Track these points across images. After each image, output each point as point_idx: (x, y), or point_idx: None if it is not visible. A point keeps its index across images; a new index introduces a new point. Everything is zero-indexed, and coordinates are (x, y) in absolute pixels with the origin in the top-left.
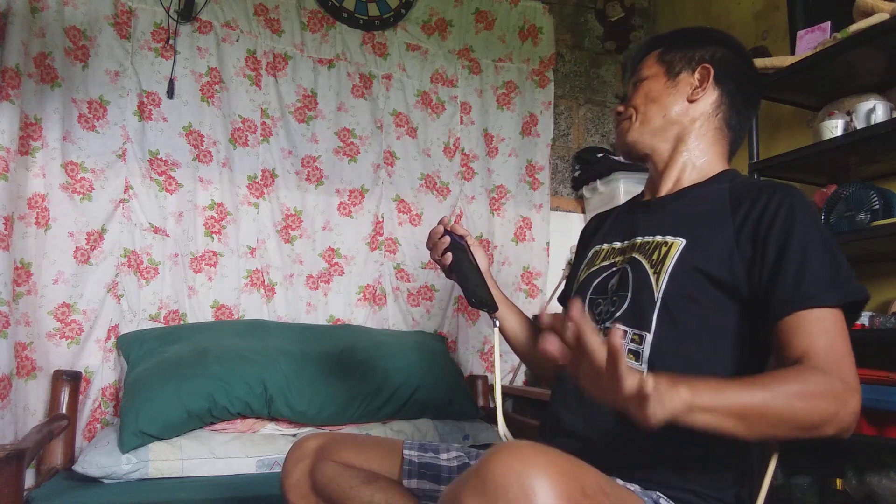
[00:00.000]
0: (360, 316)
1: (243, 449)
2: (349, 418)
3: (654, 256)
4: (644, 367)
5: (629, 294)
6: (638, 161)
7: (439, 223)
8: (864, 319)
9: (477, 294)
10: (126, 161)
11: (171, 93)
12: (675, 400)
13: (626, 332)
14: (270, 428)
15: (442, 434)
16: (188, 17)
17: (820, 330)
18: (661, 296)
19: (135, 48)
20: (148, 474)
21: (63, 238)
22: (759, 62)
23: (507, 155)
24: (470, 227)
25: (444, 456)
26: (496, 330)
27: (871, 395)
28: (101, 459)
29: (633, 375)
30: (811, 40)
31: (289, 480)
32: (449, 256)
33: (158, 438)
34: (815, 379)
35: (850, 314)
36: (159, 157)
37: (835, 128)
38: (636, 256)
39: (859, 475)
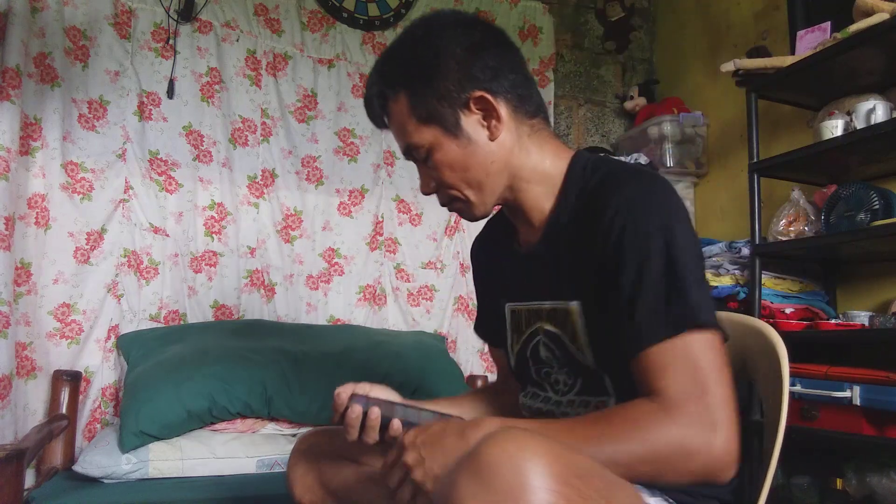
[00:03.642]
0: (360, 316)
1: (243, 449)
2: None
3: (565, 329)
4: None
5: (575, 370)
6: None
7: (337, 401)
8: (864, 319)
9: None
10: (126, 161)
11: (171, 93)
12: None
13: (588, 401)
14: (270, 428)
15: None
16: (188, 17)
17: (669, 364)
18: (598, 366)
19: (135, 48)
20: (148, 474)
21: (63, 238)
22: (759, 62)
23: None
24: (470, 226)
25: None
26: None
27: (871, 395)
28: (101, 459)
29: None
30: (811, 40)
31: (294, 472)
32: (376, 416)
33: (158, 438)
34: (660, 436)
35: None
36: (159, 157)
37: (835, 128)
38: (552, 330)
39: (859, 475)
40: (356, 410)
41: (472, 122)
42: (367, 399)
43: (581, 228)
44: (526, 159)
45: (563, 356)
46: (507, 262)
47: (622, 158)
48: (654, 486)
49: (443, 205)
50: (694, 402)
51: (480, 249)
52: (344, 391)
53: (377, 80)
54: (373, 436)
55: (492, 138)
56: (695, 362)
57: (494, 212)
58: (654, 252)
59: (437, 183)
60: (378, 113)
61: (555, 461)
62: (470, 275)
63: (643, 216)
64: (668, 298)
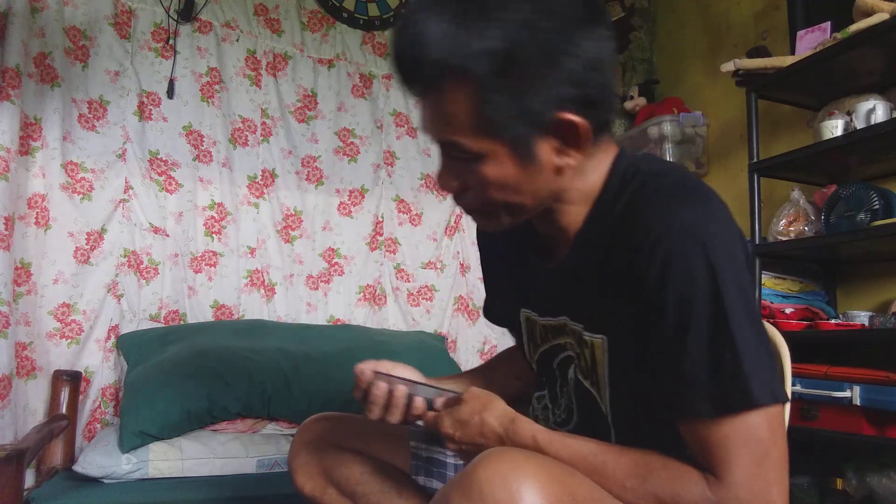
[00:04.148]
0: (360, 316)
1: (243, 449)
2: None
3: (583, 363)
4: None
5: (574, 408)
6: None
7: (359, 381)
8: (864, 319)
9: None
10: (126, 161)
11: (171, 93)
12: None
13: None
14: (270, 428)
15: None
16: (188, 17)
17: (719, 443)
18: (609, 408)
19: (135, 48)
20: (148, 474)
21: (63, 238)
22: (759, 62)
23: None
24: (470, 226)
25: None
26: None
27: (871, 395)
28: (101, 459)
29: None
30: (811, 40)
31: (296, 461)
32: (401, 394)
33: (158, 438)
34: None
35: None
36: (159, 157)
37: (835, 128)
38: (572, 355)
39: (859, 475)
40: (381, 388)
41: (545, 149)
42: (389, 377)
43: (616, 248)
44: (578, 182)
45: (579, 400)
46: (525, 266)
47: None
48: None
49: (458, 204)
50: (744, 488)
51: (487, 235)
52: (367, 367)
53: (440, 39)
54: (397, 415)
55: (559, 169)
56: (755, 446)
57: None
58: (701, 302)
59: (466, 187)
60: (419, 78)
61: (549, 483)
62: (470, 275)
63: (692, 260)
64: (716, 369)
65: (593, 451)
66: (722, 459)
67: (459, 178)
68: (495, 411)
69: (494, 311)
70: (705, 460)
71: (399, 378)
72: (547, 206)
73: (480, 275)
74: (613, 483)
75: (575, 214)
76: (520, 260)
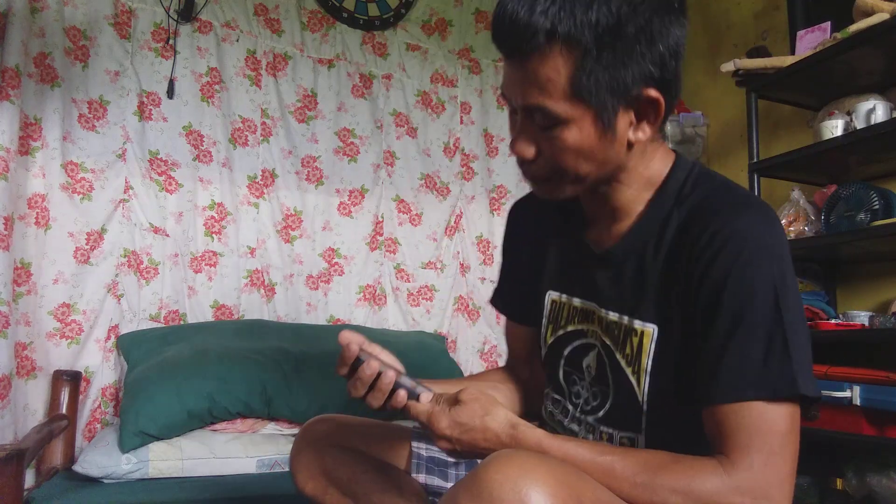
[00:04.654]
0: (360, 316)
1: (243, 449)
2: None
3: (627, 350)
4: None
5: (610, 394)
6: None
7: (345, 356)
8: (864, 319)
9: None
10: (126, 161)
11: (171, 93)
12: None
13: (612, 434)
14: (270, 428)
15: None
16: (188, 17)
17: (749, 430)
18: (646, 398)
19: (135, 48)
20: (148, 474)
21: (63, 238)
22: (759, 62)
23: (507, 155)
24: (470, 227)
25: None
26: None
27: (871, 395)
28: (101, 459)
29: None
30: (811, 40)
31: (298, 461)
32: (389, 381)
33: (158, 438)
34: (714, 499)
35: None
36: (159, 157)
37: (835, 128)
38: (607, 342)
39: (859, 475)
40: (372, 367)
41: (623, 121)
42: (378, 360)
43: (676, 249)
44: (637, 162)
45: (615, 383)
46: (565, 250)
47: None
48: None
49: (525, 171)
50: (760, 475)
51: (523, 218)
52: (353, 340)
53: (552, 7)
54: (380, 399)
55: (631, 142)
56: (776, 437)
57: None
58: (762, 303)
59: (540, 153)
60: (524, 42)
61: (558, 486)
62: (470, 275)
63: (755, 261)
64: (767, 357)
65: (599, 453)
66: (742, 444)
67: (536, 144)
68: (497, 417)
69: (505, 299)
70: (724, 444)
71: (387, 363)
72: (607, 179)
73: (480, 275)
74: (623, 482)
75: (630, 198)
76: (557, 239)
